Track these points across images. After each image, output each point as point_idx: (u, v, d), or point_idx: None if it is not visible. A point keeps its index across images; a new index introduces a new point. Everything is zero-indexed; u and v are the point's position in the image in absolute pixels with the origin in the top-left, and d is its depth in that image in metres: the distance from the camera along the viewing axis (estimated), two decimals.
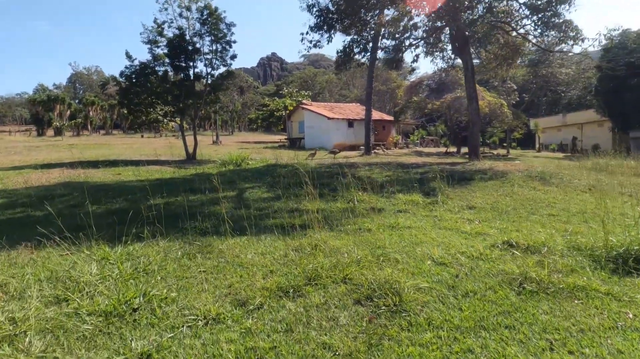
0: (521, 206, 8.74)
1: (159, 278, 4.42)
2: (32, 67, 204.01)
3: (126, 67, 20.22)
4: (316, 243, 5.44)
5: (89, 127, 62.97)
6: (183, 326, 3.42)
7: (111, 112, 67.27)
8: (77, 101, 78.93)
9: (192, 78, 22.24)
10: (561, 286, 4.15)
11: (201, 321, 3.50)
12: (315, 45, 20.01)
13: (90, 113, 62.60)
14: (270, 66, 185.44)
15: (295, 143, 38.50)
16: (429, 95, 36.12)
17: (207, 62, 22.72)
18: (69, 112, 58.90)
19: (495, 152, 38.16)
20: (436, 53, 19.74)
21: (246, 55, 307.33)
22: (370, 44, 23.11)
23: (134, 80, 20.27)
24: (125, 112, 26.24)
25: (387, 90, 65.63)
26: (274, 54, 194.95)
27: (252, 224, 6.79)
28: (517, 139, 49.02)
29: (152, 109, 21.52)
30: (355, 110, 39.99)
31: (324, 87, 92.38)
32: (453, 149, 36.25)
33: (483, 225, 6.98)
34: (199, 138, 28.65)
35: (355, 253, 5.07)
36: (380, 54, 21.73)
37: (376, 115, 37.50)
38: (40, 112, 55.50)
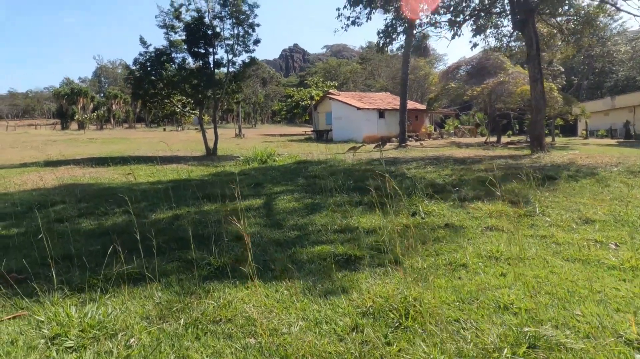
0: None
1: None
2: (61, 61, 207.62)
3: (140, 54, 18.39)
4: (402, 301, 3.31)
5: (112, 120, 62.34)
6: None
7: (134, 105, 66.53)
8: (101, 94, 78.71)
9: (211, 65, 20.30)
10: None
11: None
12: (353, 22, 17.66)
13: (113, 106, 61.91)
14: (293, 57, 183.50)
15: (322, 136, 36.34)
16: (466, 81, 33.10)
17: (228, 47, 20.75)
18: (92, 105, 58.28)
19: None
20: (489, 30, 17.09)
21: (268, 46, 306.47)
22: (406, 24, 20.65)
23: (148, 69, 18.43)
24: (140, 103, 24.53)
25: (415, 79, 62.57)
26: (296, 45, 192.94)
27: (290, 256, 4.72)
28: (560, 126, 45.37)
29: (168, 100, 19.69)
30: (386, 100, 37.50)
31: (348, 77, 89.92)
32: (492, 139, 33.27)
33: (627, 251, 4.73)
34: (221, 131, 26.86)
35: (478, 326, 2.92)
36: (430, 30, 19.09)
37: (409, 104, 34.92)
38: (64, 105, 54.95)
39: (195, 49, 19.37)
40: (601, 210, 6.63)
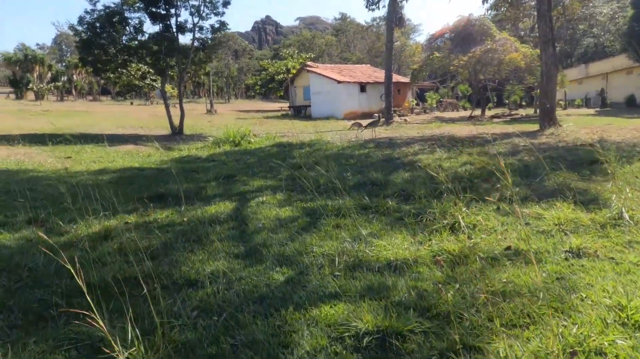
0: None
1: None
2: (15, 25, 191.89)
3: (86, 12, 15.42)
4: None
5: (74, 91, 57.67)
6: None
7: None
8: (62, 64, 72.82)
9: (174, 29, 17.53)
10: None
11: None
12: None
13: (75, 76, 57.05)
14: (265, 30, 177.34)
15: (300, 112, 33.93)
16: (451, 49, 30.99)
17: (193, 9, 17.96)
18: (49, 75, 53.40)
19: (518, 112, 33.69)
20: None
21: (239, 18, 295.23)
22: None
23: (98, 30, 15.52)
24: (90, 70, 21.41)
25: None
26: (268, 17, 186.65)
27: (280, 333, 2.68)
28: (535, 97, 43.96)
29: (124, 69, 16.91)
30: (367, 72, 35.22)
31: (323, 50, 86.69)
32: (477, 113, 31.48)
33: None
34: (192, 106, 24.23)
35: None
36: None
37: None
38: (17, 73, 50.01)
39: (154, 9, 16.53)
40: None
